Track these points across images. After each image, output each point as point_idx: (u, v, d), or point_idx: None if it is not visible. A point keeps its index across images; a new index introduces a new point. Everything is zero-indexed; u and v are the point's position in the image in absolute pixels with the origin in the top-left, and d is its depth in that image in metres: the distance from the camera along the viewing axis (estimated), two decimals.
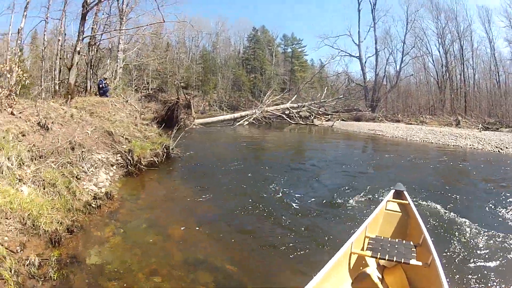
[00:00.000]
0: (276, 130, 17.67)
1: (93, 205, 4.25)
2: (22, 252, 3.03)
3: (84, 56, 8.74)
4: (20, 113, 5.00)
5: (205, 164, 7.87)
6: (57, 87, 8.59)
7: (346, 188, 5.73)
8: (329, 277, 2.34)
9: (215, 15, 53.28)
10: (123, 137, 6.78)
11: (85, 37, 7.44)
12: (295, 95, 23.25)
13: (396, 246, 2.76)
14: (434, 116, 21.61)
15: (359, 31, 27.24)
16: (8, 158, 4.12)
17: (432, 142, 12.48)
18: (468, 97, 22.89)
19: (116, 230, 3.92)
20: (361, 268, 2.82)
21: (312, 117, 19.97)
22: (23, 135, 4.58)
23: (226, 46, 42.02)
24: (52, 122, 5.36)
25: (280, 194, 5.38)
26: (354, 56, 28.07)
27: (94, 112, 7.51)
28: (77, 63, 7.00)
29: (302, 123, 18.97)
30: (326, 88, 25.26)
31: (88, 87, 9.35)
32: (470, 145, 11.54)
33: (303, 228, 4.10)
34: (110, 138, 6.47)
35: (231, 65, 39.57)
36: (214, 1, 56.30)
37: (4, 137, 4.35)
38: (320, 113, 20.72)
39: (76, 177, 4.63)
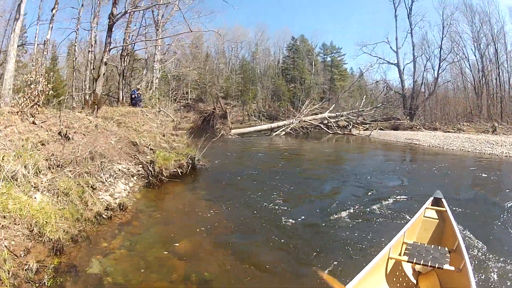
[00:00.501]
0: (314, 140, 18.01)
1: (104, 216, 4.41)
2: (25, 257, 3.24)
3: (117, 66, 9.55)
4: (43, 122, 5.53)
5: (232, 176, 7.96)
6: (87, 97, 9.54)
7: (385, 199, 5.86)
8: (366, 280, 2.59)
9: (255, 25, 57.82)
10: (147, 147, 7.08)
11: (112, 48, 8.18)
12: (333, 105, 24.48)
13: (432, 251, 3.03)
14: (471, 123, 22.31)
15: (396, 38, 28.73)
16: (25, 166, 4.50)
17: (468, 151, 12.81)
18: (504, 102, 23.61)
19: (123, 242, 3.99)
20: (397, 273, 3.07)
21: (350, 127, 20.51)
22: (42, 144, 5.01)
23: (265, 56, 44.69)
24: (74, 132, 5.82)
25: (313, 211, 5.26)
26: (392, 64, 29.44)
27: (122, 122, 8.05)
28: (104, 74, 7.66)
29: (340, 132, 19.47)
30: (364, 96, 26.24)
31: (121, 97, 10.17)
32: (505, 153, 11.84)
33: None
34: (134, 148, 6.81)
35: (270, 75, 41.84)
36: (254, 12, 63.06)
37: (23, 146, 4.81)
38: (358, 122, 21.33)
39: (92, 187, 4.86)
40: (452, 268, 2.77)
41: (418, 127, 21.47)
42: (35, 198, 4.29)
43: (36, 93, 5.49)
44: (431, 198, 4.14)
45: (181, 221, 4.79)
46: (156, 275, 3.30)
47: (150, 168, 6.19)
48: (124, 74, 10.51)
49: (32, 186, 4.42)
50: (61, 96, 12.33)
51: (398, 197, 5.99)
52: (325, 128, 20.26)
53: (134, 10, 8.19)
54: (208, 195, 6.11)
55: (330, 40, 57.42)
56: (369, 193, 6.39)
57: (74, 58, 12.33)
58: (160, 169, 6.23)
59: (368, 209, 5.30)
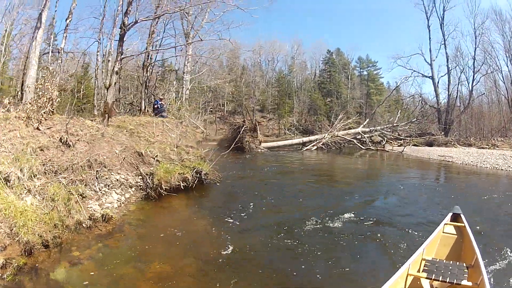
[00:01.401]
0: (346, 156, 18.30)
1: (84, 225, 4.67)
2: (0, 252, 3.69)
3: (139, 76, 10.25)
4: (48, 128, 6.11)
5: (245, 193, 7.95)
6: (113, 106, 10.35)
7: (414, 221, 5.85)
8: None
9: (291, 39, 59.13)
10: (154, 158, 7.40)
11: (123, 58, 8.85)
12: (367, 119, 25.50)
13: (450, 267, 3.23)
14: (505, 138, 22.65)
15: (430, 49, 29.38)
16: (21, 170, 5.02)
17: (502, 169, 12.78)
18: None
19: (95, 254, 4.19)
20: None
21: (384, 142, 20.79)
22: (41, 150, 5.53)
23: (302, 69, 47.99)
24: (77, 140, 6.33)
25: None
26: (426, 76, 30.20)
27: (135, 132, 8.54)
28: (115, 83, 8.28)
29: (373, 148, 19.84)
30: (399, 111, 27.71)
31: (143, 107, 10.85)
32: None
33: None
34: (139, 159, 7.14)
35: (307, 88, 44.68)
36: (290, 25, 68.46)
37: (22, 150, 5.35)
38: (393, 137, 21.68)
39: (81, 195, 5.22)
40: (470, 283, 2.96)
41: (452, 143, 21.71)
42: (25, 200, 4.72)
43: (45, 100, 6.08)
44: (450, 214, 4.39)
45: (167, 239, 4.80)
46: None
47: (149, 180, 6.42)
48: (147, 84, 11.24)
49: (25, 189, 4.87)
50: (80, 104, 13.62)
51: (425, 217, 6.06)
52: (358, 144, 20.62)
53: (144, 20, 8.80)
54: (209, 214, 6.06)
55: (365, 54, 59.63)
56: (395, 213, 6.43)
57: (96, 67, 13.54)
58: (159, 181, 6.42)
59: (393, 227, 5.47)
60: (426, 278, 3.16)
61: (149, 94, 11.89)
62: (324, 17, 69.57)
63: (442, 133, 24.53)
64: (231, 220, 5.63)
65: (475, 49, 27.29)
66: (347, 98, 44.14)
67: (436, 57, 29.37)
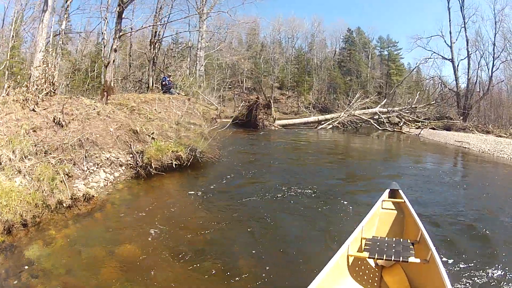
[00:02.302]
0: (362, 136, 17.89)
1: (64, 205, 4.96)
2: None
3: (145, 53, 10.34)
4: (44, 109, 6.41)
5: (245, 172, 7.87)
6: (112, 84, 10.62)
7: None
8: (327, 281, 2.63)
9: (311, 17, 60.34)
10: (149, 136, 7.57)
11: (122, 35, 8.86)
12: (385, 99, 25.36)
13: (394, 245, 3.11)
14: None
15: (450, 32, 29.01)
16: (13, 151, 5.37)
17: None
18: None
19: (71, 234, 4.35)
20: (358, 269, 3.14)
21: (401, 124, 20.48)
22: (34, 131, 5.83)
23: (322, 47, 48.06)
24: (72, 119, 6.60)
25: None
26: (446, 59, 29.82)
27: (136, 109, 8.75)
28: (113, 61, 8.39)
29: (390, 129, 19.42)
30: (418, 92, 27.20)
31: (150, 84, 11.02)
32: None
33: None
34: (134, 136, 7.34)
35: (326, 66, 45.01)
36: (310, 3, 66.82)
37: (16, 132, 5.67)
38: (410, 119, 21.20)
39: (67, 174, 5.50)
40: (418, 260, 2.84)
41: (470, 129, 21.15)
42: (15, 181, 5.07)
43: (42, 82, 6.34)
44: (387, 190, 4.25)
45: (147, 220, 4.85)
46: (83, 273, 3.53)
47: (139, 159, 6.60)
48: (155, 61, 11.32)
49: (16, 170, 5.20)
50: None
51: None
52: (375, 124, 20.32)
53: None
54: (199, 193, 6.07)
55: (386, 34, 60.28)
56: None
57: (103, 46, 13.77)
58: (149, 160, 6.58)
59: None
60: (369, 257, 3.04)
61: (157, 71, 11.98)
62: None
63: (461, 117, 24.33)
64: (221, 202, 5.65)
65: (495, 35, 26.95)
66: (367, 78, 44.11)
67: (456, 39, 29.18)
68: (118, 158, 6.57)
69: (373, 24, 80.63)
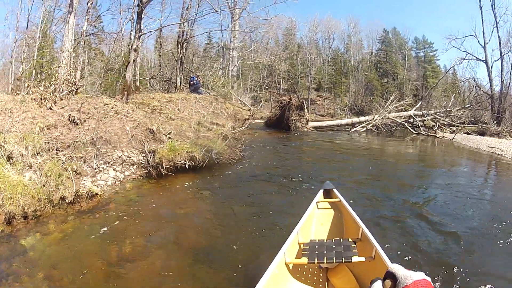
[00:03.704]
0: (396, 140, 17.57)
1: (67, 201, 5.17)
2: None
3: (173, 53, 10.63)
4: (62, 108, 6.82)
5: (262, 177, 7.49)
6: (137, 83, 11.04)
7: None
8: None
9: (347, 17, 64.01)
10: (166, 135, 7.72)
11: (141, 34, 9.15)
12: (420, 102, 25.65)
13: (334, 246, 3.07)
14: None
15: (483, 31, 28.50)
16: (26, 147, 5.76)
17: None
18: None
19: (67, 229, 4.54)
20: (300, 276, 3.08)
21: (436, 127, 20.17)
22: (48, 128, 6.21)
23: (358, 48, 49.50)
24: (88, 118, 6.94)
25: None
26: (480, 60, 29.29)
27: (158, 109, 9.00)
28: (134, 61, 8.69)
29: (424, 133, 19.22)
30: (453, 95, 27.24)
31: (178, 84, 11.31)
32: None
33: None
34: (150, 136, 7.54)
35: (363, 68, 46.21)
36: (346, 3, 68.83)
37: (31, 129, 6.09)
38: (445, 123, 21.03)
39: (75, 171, 5.76)
40: (363, 258, 2.84)
41: (504, 134, 20.41)
42: (25, 176, 5.42)
43: (61, 82, 6.76)
44: (321, 191, 4.21)
45: (149, 221, 4.88)
46: (69, 268, 3.62)
47: (150, 158, 6.72)
48: (183, 61, 11.60)
49: (27, 165, 5.58)
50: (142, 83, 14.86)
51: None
52: (409, 127, 20.22)
53: None
54: (210, 197, 5.96)
55: (422, 34, 60.63)
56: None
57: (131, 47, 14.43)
58: (160, 160, 6.67)
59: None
60: (309, 263, 2.94)
61: (186, 70, 12.28)
62: None
63: (494, 122, 23.50)
64: (231, 206, 5.47)
65: None
66: (403, 80, 45.18)
67: (490, 40, 28.15)
68: (130, 157, 6.75)
69: (409, 23, 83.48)
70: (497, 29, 27.39)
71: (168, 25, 11.64)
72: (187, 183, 6.75)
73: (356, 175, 8.14)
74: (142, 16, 8.66)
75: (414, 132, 19.90)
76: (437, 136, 19.13)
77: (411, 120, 21.11)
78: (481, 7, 28.10)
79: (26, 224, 4.59)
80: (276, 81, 37.54)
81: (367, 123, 19.89)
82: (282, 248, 2.99)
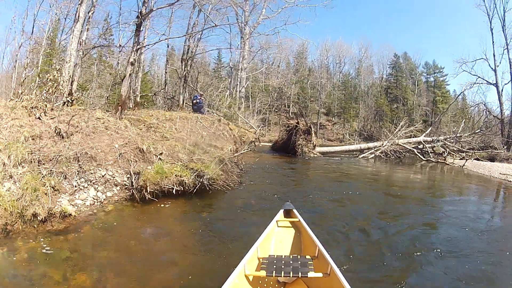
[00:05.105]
0: (405, 167, 17.82)
1: (39, 218, 5.17)
2: None
3: (177, 70, 10.85)
4: (51, 118, 6.94)
5: (258, 208, 7.17)
6: (137, 99, 11.24)
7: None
8: None
9: (358, 41, 68.88)
10: (157, 156, 7.74)
11: (139, 48, 9.37)
12: (430, 128, 26.72)
13: (291, 262, 3.40)
14: None
15: (494, 54, 29.41)
16: (8, 156, 5.85)
17: None
18: None
19: (35, 248, 4.51)
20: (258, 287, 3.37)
21: (445, 154, 20.93)
22: (33, 139, 6.31)
23: (368, 73, 52.02)
24: (76, 131, 7.03)
25: None
26: (491, 83, 30.40)
27: (154, 127, 9.08)
28: (130, 75, 8.85)
29: (433, 160, 19.88)
30: (463, 120, 28.16)
31: (181, 102, 11.47)
32: None
33: None
34: (140, 155, 7.57)
35: (373, 93, 48.44)
36: (357, 28, 76.07)
37: (17, 138, 6.19)
38: (455, 149, 21.45)
39: (53, 187, 5.79)
40: (319, 274, 3.16)
41: None
42: (4, 185, 5.49)
43: (52, 91, 6.92)
44: (282, 210, 4.68)
45: (122, 251, 4.75)
46: None
47: (134, 180, 6.71)
48: (186, 78, 11.80)
49: (8, 175, 5.65)
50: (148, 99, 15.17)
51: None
52: (418, 154, 20.60)
53: (160, 8, 9.16)
54: (198, 232, 5.62)
55: (432, 59, 65.09)
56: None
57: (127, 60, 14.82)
58: (144, 183, 6.65)
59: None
60: (267, 275, 3.24)
61: (190, 89, 12.48)
62: (389, 18, 77.27)
63: (505, 147, 24.12)
64: (217, 245, 5.10)
65: None
66: (413, 105, 47.38)
67: (500, 62, 29.43)
68: (114, 177, 6.76)
69: (419, 47, 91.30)
70: (508, 50, 28.28)
71: (166, 39, 12.03)
72: (173, 211, 6.60)
73: (362, 210, 7.78)
74: (141, 28, 8.87)
75: (423, 158, 20.24)
76: (447, 163, 19.46)
77: (421, 146, 21.57)
78: (491, 29, 29.15)
79: None
80: (286, 104, 39.62)
81: (375, 149, 20.37)
82: (242, 261, 3.33)
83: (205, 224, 6.02)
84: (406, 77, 49.96)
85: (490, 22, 29.32)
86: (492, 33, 29.37)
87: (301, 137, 17.25)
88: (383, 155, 20.09)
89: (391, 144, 20.44)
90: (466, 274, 4.44)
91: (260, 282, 3.41)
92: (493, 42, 29.46)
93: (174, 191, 6.97)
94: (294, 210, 4.65)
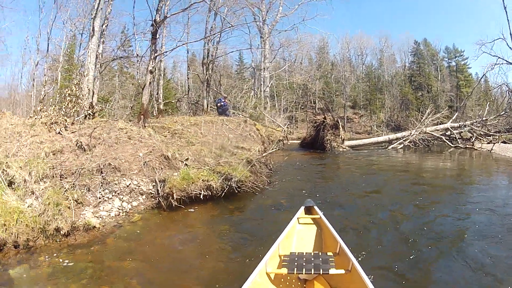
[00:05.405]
0: (434, 155, 17.71)
1: (62, 232, 4.99)
2: None
3: (198, 75, 10.69)
4: (72, 132, 6.87)
5: (289, 209, 6.74)
6: (161, 107, 11.13)
7: None
8: None
9: (377, 32, 67.74)
10: (183, 162, 7.47)
11: (157, 55, 9.20)
12: (456, 113, 26.21)
13: (313, 259, 3.38)
14: None
15: (510, 33, 28.33)
16: (29, 173, 5.77)
17: None
18: None
19: (58, 263, 4.34)
20: (279, 285, 3.35)
21: (473, 139, 20.58)
22: (54, 154, 6.22)
23: (391, 62, 52.00)
24: (99, 143, 6.90)
25: None
26: (510, 63, 29.63)
27: (179, 133, 8.86)
28: (150, 83, 8.71)
29: (462, 146, 19.71)
30: (488, 103, 27.51)
31: (205, 106, 11.28)
32: None
33: None
34: (165, 162, 7.34)
35: (398, 82, 48.58)
36: (375, 19, 73.90)
37: (37, 154, 6.12)
38: (482, 133, 21.56)
39: (76, 200, 5.63)
40: (341, 271, 3.16)
41: None
42: (26, 202, 5.39)
43: (72, 106, 6.85)
44: (302, 207, 4.67)
45: (147, 265, 4.40)
46: None
47: (159, 188, 6.46)
48: (209, 82, 11.61)
49: (30, 191, 5.57)
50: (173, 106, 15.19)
51: None
52: (446, 141, 20.33)
53: (174, 14, 9.00)
54: (228, 237, 5.32)
55: (452, 43, 63.11)
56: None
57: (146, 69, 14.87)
58: (170, 189, 6.38)
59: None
60: (289, 273, 3.24)
61: (214, 92, 12.31)
62: (405, 6, 73.89)
63: None
64: (248, 248, 4.83)
65: None
66: (437, 91, 46.76)
67: None
68: (139, 186, 6.55)
69: (438, 33, 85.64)
70: None
71: (183, 44, 11.98)
72: (201, 216, 6.38)
73: (392, 202, 7.37)
74: (157, 36, 8.77)
75: (452, 145, 20.17)
76: (475, 148, 19.30)
77: (448, 133, 21.34)
78: (505, 7, 27.82)
79: (16, 252, 4.53)
80: (312, 100, 40.02)
81: (404, 139, 20.18)
82: (263, 259, 3.34)
83: (234, 226, 5.79)
84: (428, 63, 49.26)
85: (503, 1, 27.86)
86: (506, 12, 27.96)
87: (329, 132, 17.03)
88: (412, 145, 19.87)
89: (419, 132, 20.20)
90: (497, 261, 4.23)
91: (282, 279, 3.40)
92: (508, 20, 28.04)
93: (201, 196, 6.68)
94: (315, 207, 4.65)
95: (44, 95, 9.03)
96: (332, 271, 3.16)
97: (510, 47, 28.44)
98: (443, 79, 48.69)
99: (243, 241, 5.15)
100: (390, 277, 3.88)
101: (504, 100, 31.92)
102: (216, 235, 5.38)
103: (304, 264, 3.29)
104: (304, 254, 3.53)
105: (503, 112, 25.37)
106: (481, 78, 41.76)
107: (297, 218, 4.43)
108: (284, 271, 3.26)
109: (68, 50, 20.28)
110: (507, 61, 30.03)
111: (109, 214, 5.81)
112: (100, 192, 6.06)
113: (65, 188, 5.77)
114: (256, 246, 4.82)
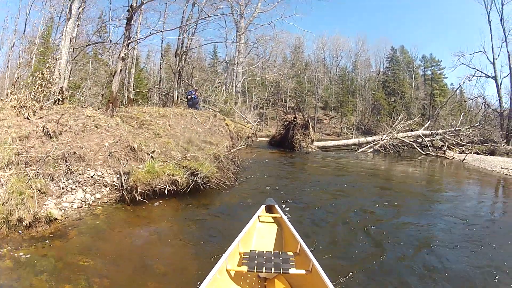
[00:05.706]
0: (404, 161, 18.00)
1: (24, 223, 5.13)
2: None
3: (170, 65, 10.75)
4: (40, 118, 6.88)
5: (254, 206, 7.15)
6: (131, 96, 11.20)
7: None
8: None
9: (355, 35, 73.52)
10: (149, 154, 7.67)
11: (130, 42, 9.26)
12: (428, 121, 27.06)
13: (273, 258, 3.45)
14: None
15: (492, 47, 29.90)
16: None
17: None
18: None
19: (20, 256, 4.39)
20: (240, 283, 3.42)
21: (445, 148, 21.12)
22: (20, 140, 6.26)
23: (366, 67, 53.42)
24: (65, 131, 6.97)
25: None
26: (489, 77, 30.97)
27: (146, 124, 9.01)
28: (121, 70, 8.75)
29: (433, 154, 20.07)
30: (462, 114, 28.31)
31: (175, 98, 11.40)
32: None
33: None
34: (131, 154, 7.50)
35: (370, 86, 49.60)
36: (354, 21, 76.47)
37: (4, 139, 6.14)
38: (454, 143, 22.15)
39: (40, 190, 5.74)
40: (301, 271, 3.24)
41: None
42: None
43: (41, 90, 6.85)
44: (263, 206, 4.82)
45: (109, 259, 4.54)
46: None
47: (124, 181, 6.65)
48: (181, 74, 11.70)
49: None
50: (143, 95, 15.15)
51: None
52: (417, 148, 20.94)
53: (151, 0, 9.02)
54: (191, 235, 5.48)
55: (429, 52, 66.03)
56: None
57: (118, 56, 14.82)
58: (134, 183, 6.58)
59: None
60: (248, 271, 3.31)
61: (185, 84, 12.42)
62: (387, 12, 78.25)
63: (504, 140, 24.42)
64: (210, 247, 4.94)
65: None
66: (410, 98, 48.57)
67: (498, 55, 30.02)
68: (103, 177, 6.69)
69: (416, 41, 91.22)
70: (506, 43, 28.88)
71: (157, 32, 12.01)
72: (165, 212, 6.48)
73: (361, 204, 7.78)
74: (132, 23, 8.76)
75: (422, 152, 20.56)
76: (447, 156, 19.84)
77: (420, 140, 21.99)
78: (489, 22, 29.72)
79: None
80: (283, 98, 41.06)
81: (374, 143, 20.62)
82: (223, 256, 3.41)
83: (198, 223, 5.97)
84: (403, 70, 51.18)
85: (488, 15, 29.77)
86: (490, 26, 29.77)
87: (299, 132, 17.42)
88: (382, 149, 20.32)
89: (390, 138, 20.71)
90: (457, 268, 4.52)
91: (242, 277, 3.46)
92: (491, 35, 29.82)
93: (166, 191, 6.89)
94: (276, 206, 4.78)
95: (17, 78, 8.77)
96: (293, 271, 3.23)
97: (490, 61, 30.09)
98: (417, 87, 50.63)
99: (206, 238, 5.33)
100: (351, 278, 4.01)
101: (479, 112, 33.31)
102: (180, 232, 5.59)
103: (264, 262, 3.36)
104: (265, 252, 3.60)
105: (478, 124, 26.49)
106: (457, 89, 43.53)
107: (258, 216, 4.54)
108: (244, 268, 3.34)
109: (45, 33, 19.48)
110: (485, 74, 31.50)
111: (72, 206, 5.93)
112: (63, 182, 6.15)
113: (29, 176, 5.83)
114: (219, 243, 4.94)
